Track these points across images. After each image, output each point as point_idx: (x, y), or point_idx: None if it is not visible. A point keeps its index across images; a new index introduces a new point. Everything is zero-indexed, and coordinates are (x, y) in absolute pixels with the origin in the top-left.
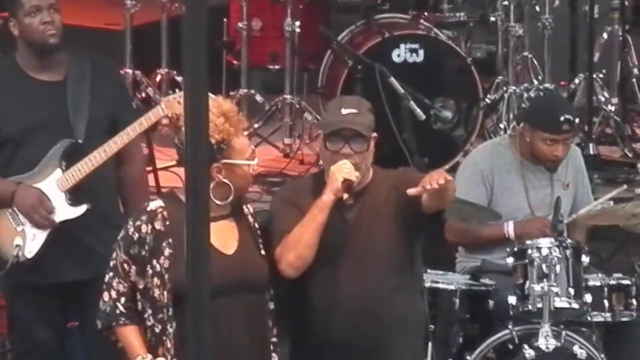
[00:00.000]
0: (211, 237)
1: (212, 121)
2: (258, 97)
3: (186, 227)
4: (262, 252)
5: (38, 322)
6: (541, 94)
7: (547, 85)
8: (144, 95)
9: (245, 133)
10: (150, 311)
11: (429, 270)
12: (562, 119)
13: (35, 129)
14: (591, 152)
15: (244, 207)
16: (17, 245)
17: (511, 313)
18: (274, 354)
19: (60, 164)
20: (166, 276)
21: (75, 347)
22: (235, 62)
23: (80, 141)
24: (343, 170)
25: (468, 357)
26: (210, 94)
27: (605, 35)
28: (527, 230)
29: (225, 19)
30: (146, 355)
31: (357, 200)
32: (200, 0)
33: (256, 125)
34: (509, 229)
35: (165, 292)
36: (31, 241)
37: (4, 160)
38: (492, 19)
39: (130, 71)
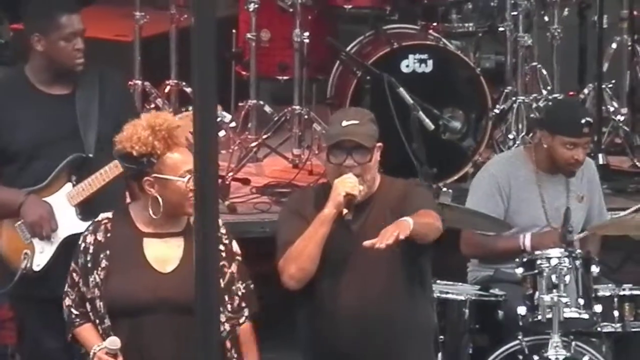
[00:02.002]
0: (150, 253)
1: (136, 133)
2: (267, 108)
3: (195, 243)
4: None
5: (47, 333)
6: (556, 100)
7: (556, 95)
8: (153, 106)
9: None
10: (97, 321)
11: (438, 281)
12: (582, 121)
13: (45, 143)
14: (600, 162)
15: None
16: (25, 258)
17: (521, 323)
18: None
19: (70, 178)
20: (102, 287)
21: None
22: (244, 72)
23: (90, 155)
24: (346, 185)
25: None
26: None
27: (614, 45)
28: (543, 242)
29: (234, 30)
30: (100, 344)
31: (362, 210)
32: (209, 11)
33: (265, 136)
34: (526, 241)
35: (102, 304)
36: (39, 254)
37: (13, 173)
38: (501, 29)
39: (139, 82)
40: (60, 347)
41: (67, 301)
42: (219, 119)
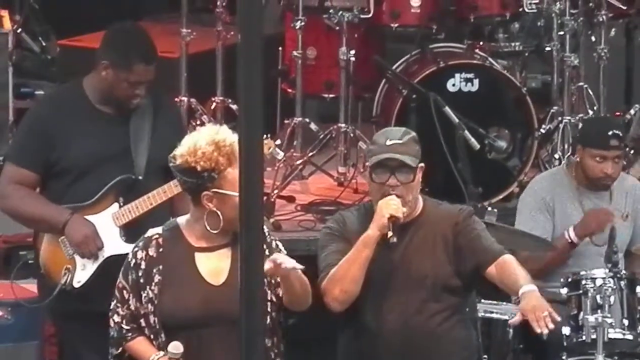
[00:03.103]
0: (202, 267)
1: (201, 148)
2: (312, 126)
3: (240, 257)
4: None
5: (88, 349)
6: (590, 117)
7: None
8: (198, 123)
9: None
10: (152, 337)
11: (482, 300)
12: (610, 133)
13: (96, 161)
14: None
15: None
16: (65, 274)
17: (565, 344)
18: None
19: (118, 199)
20: (156, 302)
21: None
22: (290, 90)
23: (140, 178)
24: (390, 207)
25: None
26: (211, 125)
27: None
28: (587, 226)
29: (280, 48)
30: (158, 353)
31: (406, 231)
32: (255, 28)
33: (310, 154)
34: (570, 234)
35: (157, 319)
36: (81, 270)
37: (61, 189)
38: (548, 49)
39: (185, 99)
40: None
41: (117, 318)
42: (272, 155)
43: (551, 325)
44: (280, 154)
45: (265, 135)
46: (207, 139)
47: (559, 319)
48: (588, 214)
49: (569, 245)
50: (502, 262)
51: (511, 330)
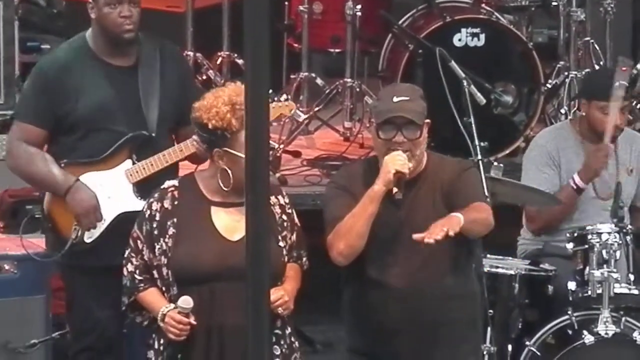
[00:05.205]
0: (218, 222)
1: (216, 106)
2: (319, 81)
3: (246, 215)
4: (281, 243)
5: (96, 303)
6: (592, 69)
7: None
8: (204, 77)
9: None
10: (164, 289)
11: (488, 255)
12: (616, 84)
13: (107, 115)
14: None
15: (272, 197)
16: (76, 229)
17: (571, 299)
18: (275, 346)
19: (131, 155)
20: (170, 255)
21: (133, 328)
22: (296, 45)
23: (153, 135)
24: (396, 162)
25: (527, 343)
26: (236, 82)
27: None
28: (590, 166)
29: (286, 2)
30: (169, 305)
31: (411, 187)
32: None
33: (316, 109)
34: (575, 179)
35: (169, 271)
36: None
37: (71, 143)
38: (554, 3)
39: (191, 54)
40: (110, 316)
41: (130, 267)
42: (294, 117)
43: (438, 237)
44: (302, 116)
45: (286, 97)
46: (225, 98)
47: (451, 233)
48: (588, 156)
49: (575, 192)
50: (471, 206)
51: (517, 285)
